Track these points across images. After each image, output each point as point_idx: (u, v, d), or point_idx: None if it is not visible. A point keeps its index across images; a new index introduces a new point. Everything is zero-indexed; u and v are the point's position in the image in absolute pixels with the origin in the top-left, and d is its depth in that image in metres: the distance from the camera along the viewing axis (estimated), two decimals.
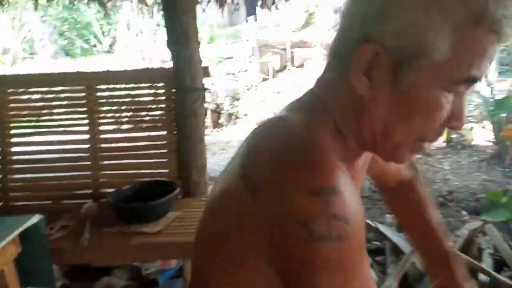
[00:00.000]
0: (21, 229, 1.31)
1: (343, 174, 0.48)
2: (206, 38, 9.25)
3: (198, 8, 2.52)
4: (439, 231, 0.80)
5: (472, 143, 4.05)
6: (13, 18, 7.10)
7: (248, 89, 6.42)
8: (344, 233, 0.44)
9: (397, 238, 2.32)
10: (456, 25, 0.46)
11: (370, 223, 2.46)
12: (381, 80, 0.50)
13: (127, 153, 2.11)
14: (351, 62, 0.50)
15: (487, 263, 2.07)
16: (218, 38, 9.16)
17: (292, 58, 7.70)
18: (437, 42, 0.47)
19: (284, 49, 7.59)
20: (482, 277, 1.95)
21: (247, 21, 7.00)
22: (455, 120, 0.52)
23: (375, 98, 0.51)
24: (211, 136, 5.35)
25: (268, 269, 0.49)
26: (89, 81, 2.06)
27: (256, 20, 9.24)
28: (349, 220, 0.45)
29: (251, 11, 9.41)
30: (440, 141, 4.18)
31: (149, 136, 2.08)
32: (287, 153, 0.49)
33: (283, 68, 7.44)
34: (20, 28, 7.25)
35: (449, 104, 0.50)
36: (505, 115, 3.52)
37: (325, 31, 8.41)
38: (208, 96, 5.58)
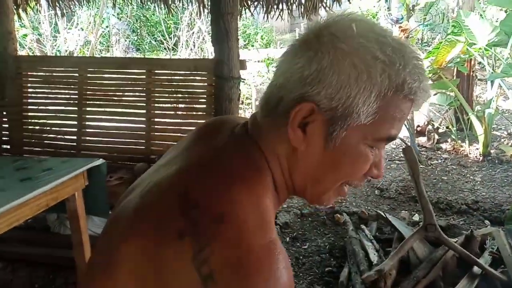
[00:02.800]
0: (89, 165, 1.77)
1: (283, 261, 0.50)
2: (263, 42, 9.69)
3: (247, 13, 2.91)
4: None
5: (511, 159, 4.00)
6: (95, 14, 8.06)
7: None
8: None
9: (405, 229, 2.51)
10: (380, 93, 0.53)
11: (382, 213, 2.67)
12: (315, 135, 0.55)
13: (173, 127, 2.55)
14: (287, 117, 0.55)
15: (485, 259, 2.21)
16: (274, 43, 9.56)
17: None
18: (364, 106, 0.53)
19: None
20: (475, 268, 2.10)
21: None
22: (376, 169, 0.60)
23: (308, 150, 0.56)
24: None
25: None
26: (149, 66, 2.53)
27: None
28: None
29: None
30: (477, 155, 4.18)
31: (192, 114, 2.50)
32: (242, 252, 0.48)
33: None
34: (100, 24, 8.21)
35: (373, 157, 0.57)
36: None
37: None
38: (254, 93, 5.98)
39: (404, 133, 4.58)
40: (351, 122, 0.54)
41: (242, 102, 6.08)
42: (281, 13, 3.05)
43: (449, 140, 4.58)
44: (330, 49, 0.53)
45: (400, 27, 4.10)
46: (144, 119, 2.57)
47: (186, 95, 2.56)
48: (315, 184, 0.59)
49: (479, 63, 4.71)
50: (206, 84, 2.45)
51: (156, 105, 2.60)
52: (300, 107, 0.54)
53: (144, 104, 2.56)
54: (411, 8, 4.42)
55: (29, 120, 2.79)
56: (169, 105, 2.65)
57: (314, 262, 2.65)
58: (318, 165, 0.57)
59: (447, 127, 4.72)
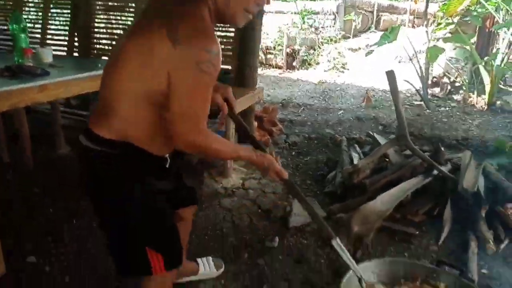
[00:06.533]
0: None
1: (218, 43, 0.95)
2: None
3: None
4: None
5: None
6: None
7: (326, 42, 7.07)
8: (212, 72, 0.95)
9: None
10: None
11: (370, 133, 3.19)
12: None
13: None
14: None
15: (446, 167, 2.70)
16: None
17: (378, 21, 8.02)
18: None
19: (371, 11, 7.94)
20: (434, 171, 2.61)
21: None
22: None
23: None
24: (283, 74, 6.27)
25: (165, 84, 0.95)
26: None
27: None
28: (216, 68, 0.95)
29: None
30: (483, 104, 4.50)
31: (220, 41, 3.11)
32: (197, 28, 0.94)
33: (366, 29, 7.83)
34: None
35: None
36: None
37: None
38: (285, 41, 6.45)
39: (418, 84, 4.94)
40: None
41: (274, 48, 6.57)
42: None
43: (461, 91, 4.88)
44: None
45: None
46: None
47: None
48: (227, 9, 1.03)
49: None
50: None
51: None
52: None
53: None
54: None
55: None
56: None
57: (310, 168, 3.25)
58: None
59: (462, 80, 5.00)
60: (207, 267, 1.80)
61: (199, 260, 1.81)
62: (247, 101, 2.96)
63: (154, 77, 0.96)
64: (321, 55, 6.75)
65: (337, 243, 1.20)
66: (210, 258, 1.86)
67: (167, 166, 1.23)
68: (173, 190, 1.34)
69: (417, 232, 2.23)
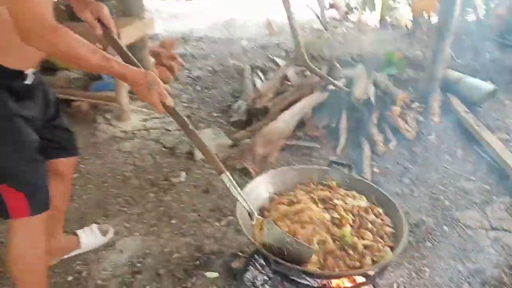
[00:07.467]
0: None
1: None
2: None
3: None
4: None
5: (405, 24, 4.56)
6: None
7: None
8: None
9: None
10: None
11: (270, 56, 3.16)
12: None
13: None
14: None
15: (341, 82, 2.80)
16: None
17: None
18: None
19: None
20: (330, 87, 2.70)
21: None
22: None
23: None
24: (182, 7, 5.86)
25: None
26: None
27: None
28: None
29: None
30: (375, 23, 4.71)
31: None
32: None
33: None
34: None
35: None
36: None
37: None
38: None
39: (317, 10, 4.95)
40: None
41: None
42: None
43: (356, 12, 5.04)
44: None
45: None
46: None
47: None
48: None
49: None
50: None
51: None
52: None
53: None
54: None
55: None
56: None
57: (216, 101, 3.15)
58: None
59: (357, 1, 5.14)
60: (89, 237, 1.59)
61: (79, 232, 1.59)
62: (135, 32, 2.67)
63: None
64: None
65: (227, 177, 1.08)
66: (95, 226, 1.65)
67: (26, 83, 1.06)
68: (44, 124, 1.14)
69: (318, 146, 2.34)
